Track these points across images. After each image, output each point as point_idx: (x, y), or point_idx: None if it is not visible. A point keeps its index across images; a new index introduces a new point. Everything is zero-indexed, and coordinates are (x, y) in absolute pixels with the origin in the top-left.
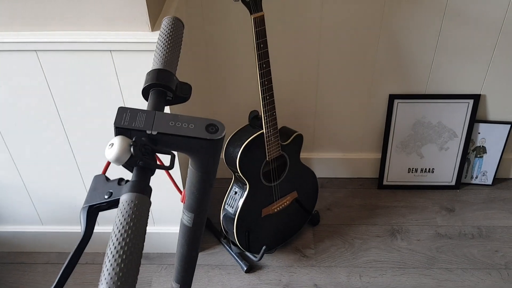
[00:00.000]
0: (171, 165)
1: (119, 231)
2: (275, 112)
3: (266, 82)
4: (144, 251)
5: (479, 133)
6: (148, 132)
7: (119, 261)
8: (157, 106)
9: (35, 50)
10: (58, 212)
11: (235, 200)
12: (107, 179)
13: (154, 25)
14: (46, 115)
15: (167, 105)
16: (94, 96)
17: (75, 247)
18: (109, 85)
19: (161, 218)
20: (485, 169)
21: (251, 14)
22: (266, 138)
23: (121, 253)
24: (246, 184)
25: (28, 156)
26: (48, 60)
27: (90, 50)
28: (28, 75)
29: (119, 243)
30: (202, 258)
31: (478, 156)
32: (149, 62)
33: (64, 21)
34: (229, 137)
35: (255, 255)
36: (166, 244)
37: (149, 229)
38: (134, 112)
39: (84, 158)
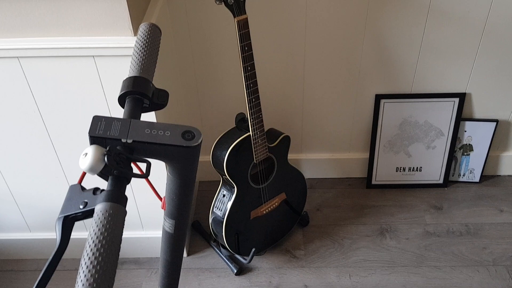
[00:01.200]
0: (147, 173)
1: (93, 242)
2: (261, 114)
3: (251, 85)
4: (133, 256)
5: (465, 131)
6: (123, 140)
7: (93, 271)
8: (133, 114)
9: (17, 57)
10: (46, 219)
11: (224, 203)
12: (83, 188)
13: (136, 30)
14: (30, 122)
15: (143, 112)
16: (78, 102)
17: (50, 258)
18: (93, 91)
19: (150, 222)
20: (472, 166)
21: (234, 17)
22: (253, 140)
23: (95, 263)
24: (234, 187)
25: (13, 163)
26: (31, 66)
27: (73, 56)
28: (10, 82)
29: (93, 254)
30: (192, 261)
31: (465, 154)
32: None
33: (46, 27)
34: (216, 140)
35: (245, 257)
36: (156, 249)
37: (138, 233)
38: (109, 120)
39: (70, 164)
